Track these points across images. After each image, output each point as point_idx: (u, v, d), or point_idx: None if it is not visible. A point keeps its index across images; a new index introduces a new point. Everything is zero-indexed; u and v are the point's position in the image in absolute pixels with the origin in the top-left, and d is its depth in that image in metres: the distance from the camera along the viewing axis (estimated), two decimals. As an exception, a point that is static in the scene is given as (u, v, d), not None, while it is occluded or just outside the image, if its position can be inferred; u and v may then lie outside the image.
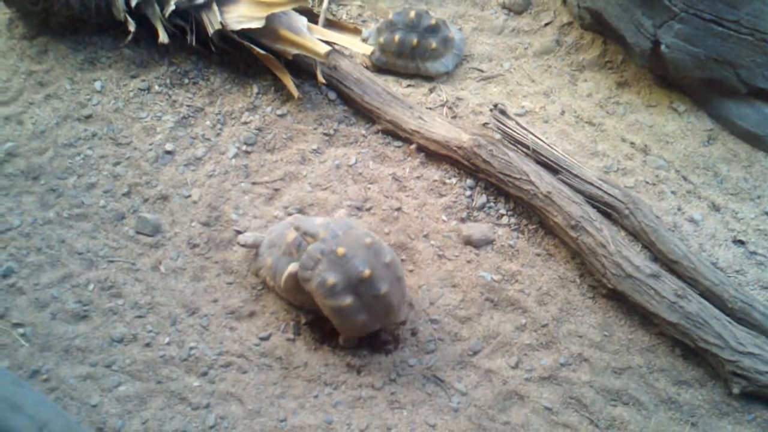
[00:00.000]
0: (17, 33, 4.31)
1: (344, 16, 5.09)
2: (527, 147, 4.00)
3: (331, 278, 3.07)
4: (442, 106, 4.45)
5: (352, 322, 3.20)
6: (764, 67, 4.31)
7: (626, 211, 3.83)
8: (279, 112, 4.22)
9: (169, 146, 3.97)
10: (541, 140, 4.03)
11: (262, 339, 3.38)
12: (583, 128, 4.46)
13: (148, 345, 3.26)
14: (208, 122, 4.12)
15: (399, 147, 4.20)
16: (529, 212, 3.95)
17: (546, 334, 3.55)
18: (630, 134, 4.45)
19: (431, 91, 4.57)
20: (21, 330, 3.19)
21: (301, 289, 3.24)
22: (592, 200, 3.87)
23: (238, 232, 3.68)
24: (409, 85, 4.66)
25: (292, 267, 3.21)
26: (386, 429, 3.13)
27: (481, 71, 4.82)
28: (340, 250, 3.09)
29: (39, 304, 3.30)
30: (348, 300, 3.10)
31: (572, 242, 3.73)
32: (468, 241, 3.82)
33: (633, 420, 3.30)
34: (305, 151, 4.09)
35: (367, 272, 3.07)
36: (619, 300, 3.66)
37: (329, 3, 4.89)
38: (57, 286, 3.37)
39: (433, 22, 4.69)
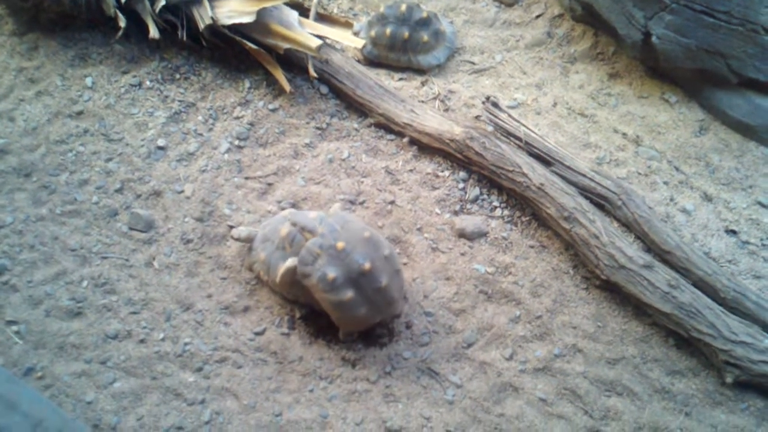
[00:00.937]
0: (7, 30, 4.29)
1: (335, 10, 5.09)
2: (520, 139, 4.01)
3: (332, 273, 3.07)
4: (435, 99, 4.45)
5: (352, 316, 3.20)
6: (755, 58, 4.33)
7: (619, 202, 3.84)
8: (271, 106, 4.21)
9: (161, 142, 3.96)
10: (534, 132, 4.04)
11: (257, 334, 3.38)
12: (575, 120, 4.47)
13: (142, 341, 3.26)
14: (200, 117, 4.11)
15: (392, 140, 4.20)
16: (522, 204, 3.96)
17: (540, 326, 3.56)
18: (622, 125, 4.46)
19: (423, 84, 4.57)
20: (15, 327, 3.19)
21: (297, 284, 3.24)
22: (585, 191, 3.88)
23: (232, 227, 3.68)
24: (401, 79, 4.66)
25: (290, 262, 3.20)
26: (381, 422, 3.13)
27: (473, 64, 4.82)
28: (340, 245, 3.09)
29: (33, 301, 3.29)
30: (349, 294, 3.10)
31: (565, 234, 3.74)
32: (461, 234, 3.83)
33: (627, 410, 3.32)
34: (298, 145, 4.08)
35: (367, 266, 3.08)
36: (613, 291, 3.68)
37: (320, -3, 4.89)
38: (50, 283, 3.36)
39: (424, 15, 4.69)
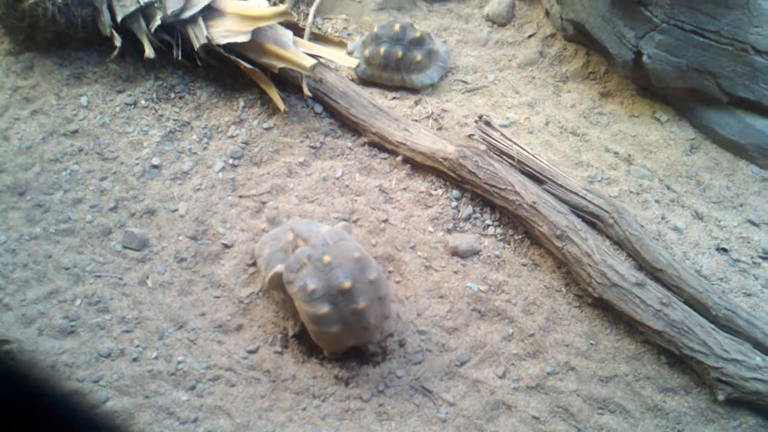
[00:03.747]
0: (3, 49, 4.31)
1: (330, 30, 5.12)
2: (512, 158, 4.03)
3: (312, 284, 3.09)
4: (428, 118, 4.48)
5: (325, 332, 3.21)
6: (744, 77, 4.37)
7: (611, 221, 3.86)
8: (265, 125, 4.24)
9: (155, 160, 3.98)
10: (526, 151, 4.07)
11: (250, 352, 3.39)
12: (567, 139, 4.50)
13: (135, 360, 3.26)
14: (194, 136, 4.13)
15: (385, 159, 4.22)
16: (515, 222, 3.98)
17: (533, 344, 3.57)
18: (613, 144, 4.50)
19: (417, 103, 4.60)
20: (7, 347, 3.18)
21: (285, 292, 3.25)
22: (577, 210, 3.90)
23: (226, 246, 3.69)
24: (394, 98, 4.69)
25: (279, 267, 3.23)
26: (375, 440, 3.13)
27: (466, 83, 4.86)
28: (326, 258, 3.12)
29: (26, 320, 3.29)
30: (324, 309, 3.11)
31: (558, 252, 3.76)
32: (454, 252, 3.84)
33: (620, 428, 3.32)
34: (292, 164, 4.10)
35: (347, 284, 3.09)
36: (605, 309, 3.69)
37: (315, 17, 4.92)
38: (44, 301, 3.37)
39: (417, 34, 4.72)
